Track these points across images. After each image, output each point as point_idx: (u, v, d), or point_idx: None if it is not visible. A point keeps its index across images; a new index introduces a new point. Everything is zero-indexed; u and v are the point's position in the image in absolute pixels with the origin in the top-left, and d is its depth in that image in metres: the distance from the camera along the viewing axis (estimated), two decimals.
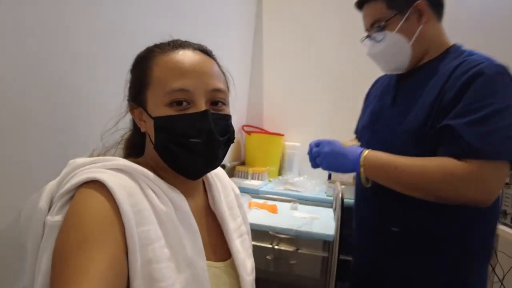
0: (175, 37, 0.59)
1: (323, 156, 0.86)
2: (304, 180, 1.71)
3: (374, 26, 0.86)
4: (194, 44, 0.57)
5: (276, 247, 1.63)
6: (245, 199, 1.54)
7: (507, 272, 1.48)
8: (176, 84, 0.52)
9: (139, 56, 0.58)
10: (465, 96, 0.71)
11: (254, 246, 0.69)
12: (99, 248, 0.41)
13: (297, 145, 1.98)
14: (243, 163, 1.95)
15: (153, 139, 0.55)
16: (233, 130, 0.59)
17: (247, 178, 1.74)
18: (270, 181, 1.78)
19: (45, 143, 0.66)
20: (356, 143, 0.99)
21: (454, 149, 0.71)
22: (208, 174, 0.65)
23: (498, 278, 1.48)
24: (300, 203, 1.52)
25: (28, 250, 0.48)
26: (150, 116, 0.54)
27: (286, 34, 2.06)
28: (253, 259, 0.66)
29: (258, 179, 1.73)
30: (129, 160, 0.53)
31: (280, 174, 1.95)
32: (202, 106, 0.52)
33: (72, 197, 0.46)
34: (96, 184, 0.45)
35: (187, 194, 0.56)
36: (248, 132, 1.92)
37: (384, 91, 0.96)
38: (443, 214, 0.77)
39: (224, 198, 0.65)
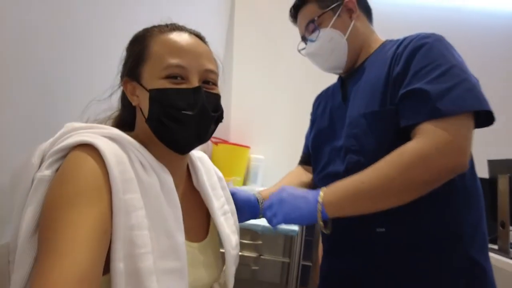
0: None
1: (278, 207, 0.71)
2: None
3: (309, 28, 0.88)
4: (190, 29, 0.62)
5: (239, 253, 1.65)
6: None
7: None
8: (173, 60, 0.55)
9: (137, 34, 0.62)
10: (412, 65, 0.71)
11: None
12: (90, 204, 0.43)
13: (261, 157, 2.06)
14: None
15: (145, 113, 0.57)
16: (222, 110, 0.62)
17: None
18: None
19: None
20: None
21: (416, 114, 0.67)
22: (192, 157, 0.69)
23: None
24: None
25: (15, 206, 0.49)
26: (145, 88, 0.56)
27: (255, 51, 2.15)
28: (237, 236, 0.70)
29: None
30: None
31: (244, 184, 2.01)
32: (195, 82, 0.56)
33: (63, 156, 0.49)
34: (90, 148, 0.47)
35: (172, 172, 0.58)
36: (215, 143, 1.97)
37: (329, 100, 0.95)
38: (431, 205, 0.68)
39: (207, 180, 0.68)
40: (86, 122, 0.61)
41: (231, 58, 2.18)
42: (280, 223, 0.69)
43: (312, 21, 0.87)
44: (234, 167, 1.95)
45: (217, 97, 0.61)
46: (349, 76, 0.90)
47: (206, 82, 0.59)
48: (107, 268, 0.45)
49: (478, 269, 0.71)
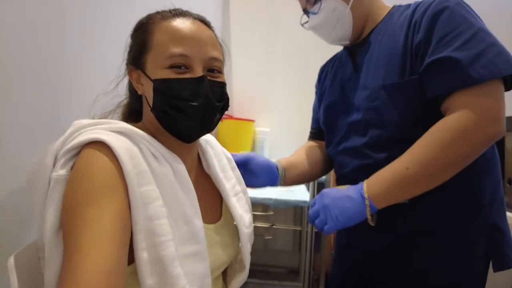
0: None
1: (325, 211, 0.68)
2: None
3: (310, 0, 0.85)
4: (194, 13, 0.60)
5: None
6: None
7: None
8: (176, 50, 0.54)
9: (140, 21, 0.61)
10: (435, 32, 0.67)
11: None
12: (108, 199, 0.45)
13: (267, 130, 2.06)
14: None
15: (150, 102, 0.57)
16: (228, 98, 0.62)
17: None
18: None
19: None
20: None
21: (446, 83, 0.64)
22: (201, 142, 0.69)
23: None
24: None
25: (35, 206, 0.51)
26: (149, 78, 0.56)
27: (254, 19, 2.07)
28: (250, 215, 0.72)
29: None
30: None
31: None
32: (199, 72, 0.55)
33: (76, 155, 0.49)
34: (101, 145, 0.48)
35: (183, 159, 0.59)
36: (221, 119, 1.97)
37: (338, 70, 0.91)
38: (453, 178, 0.66)
39: (217, 163, 0.69)
40: (93, 117, 0.61)
41: (228, 28, 2.11)
42: (333, 229, 0.67)
43: None
44: (240, 142, 1.96)
45: (222, 85, 0.60)
46: (357, 46, 0.86)
47: (210, 70, 0.58)
48: (131, 259, 0.47)
49: (497, 231, 0.72)
